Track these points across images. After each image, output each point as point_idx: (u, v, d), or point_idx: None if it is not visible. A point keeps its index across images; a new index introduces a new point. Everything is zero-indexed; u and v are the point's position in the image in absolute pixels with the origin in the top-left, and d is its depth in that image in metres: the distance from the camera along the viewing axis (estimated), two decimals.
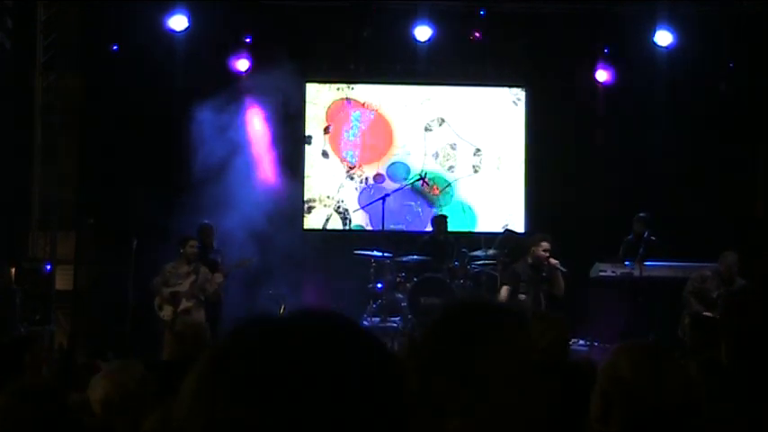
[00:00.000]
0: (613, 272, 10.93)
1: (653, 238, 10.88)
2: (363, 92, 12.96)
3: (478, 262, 11.33)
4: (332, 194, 12.78)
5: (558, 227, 11.16)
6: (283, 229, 11.52)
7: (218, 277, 10.43)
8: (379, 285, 11.21)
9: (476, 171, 12.97)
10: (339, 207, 12.78)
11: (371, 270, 11.25)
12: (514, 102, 13.01)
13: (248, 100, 12.24)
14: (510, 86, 12.99)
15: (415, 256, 11.22)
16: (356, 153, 12.85)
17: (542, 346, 3.86)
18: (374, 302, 11.18)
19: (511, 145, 12.98)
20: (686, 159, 12.41)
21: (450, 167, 12.95)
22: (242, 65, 12.30)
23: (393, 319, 10.97)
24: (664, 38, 12.22)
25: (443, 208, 12.69)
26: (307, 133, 12.78)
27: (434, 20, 12.25)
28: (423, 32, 12.26)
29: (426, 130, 12.93)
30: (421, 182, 12.19)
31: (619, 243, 11.29)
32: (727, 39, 12.23)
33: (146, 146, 11.83)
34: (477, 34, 12.35)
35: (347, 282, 11.44)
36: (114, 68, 11.99)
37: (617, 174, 12.37)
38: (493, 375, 1.65)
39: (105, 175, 11.81)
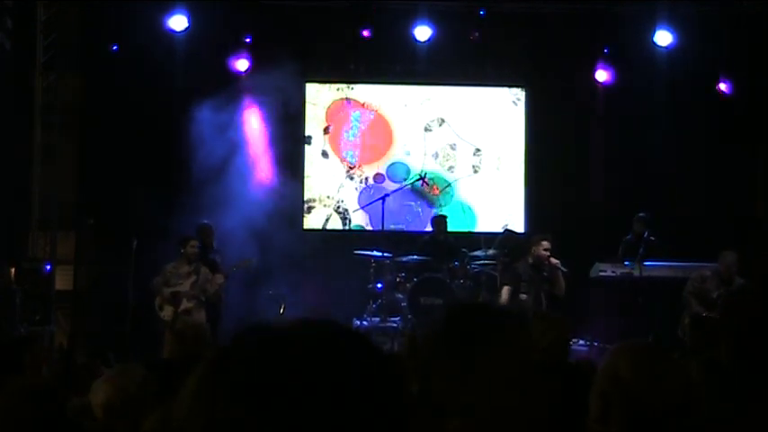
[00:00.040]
0: (613, 272, 10.93)
1: (652, 238, 10.88)
2: (363, 92, 12.96)
3: (478, 262, 11.33)
4: (332, 194, 12.78)
5: (558, 227, 11.17)
6: (283, 229, 11.52)
7: (219, 278, 10.43)
8: (379, 285, 11.21)
9: (475, 171, 12.97)
10: (339, 207, 12.79)
11: (371, 270, 11.26)
12: (514, 102, 13.01)
13: (248, 100, 12.25)
14: (510, 86, 12.99)
15: (415, 256, 11.22)
16: (356, 153, 12.85)
17: (543, 345, 3.87)
18: (374, 302, 11.18)
19: (511, 145, 12.98)
20: (686, 159, 12.41)
21: (450, 167, 12.95)
22: (242, 65, 12.30)
23: (393, 319, 10.97)
24: (664, 38, 12.22)
25: (443, 208, 12.69)
26: (307, 133, 12.78)
27: (434, 20, 12.25)
28: (423, 32, 12.26)
29: (426, 130, 12.93)
30: (421, 182, 12.19)
31: (619, 243, 11.30)
32: (727, 39, 12.23)
33: (146, 146, 11.83)
34: (477, 33, 12.34)
35: (347, 282, 11.45)
36: (114, 68, 11.98)
37: (617, 174, 12.37)
38: (494, 376, 1.66)
39: (105, 175, 11.81)
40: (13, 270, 10.80)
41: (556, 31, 12.32)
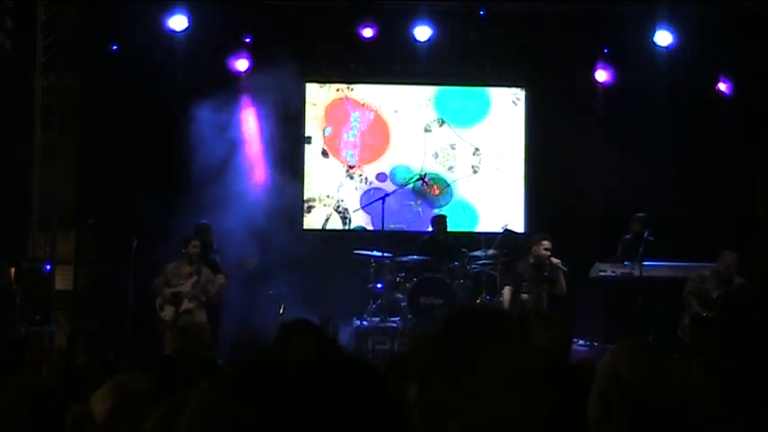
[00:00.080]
0: (613, 272, 10.93)
1: (651, 238, 10.88)
2: (363, 92, 12.96)
3: (478, 262, 11.33)
4: (332, 194, 12.78)
5: (557, 227, 11.17)
6: (283, 229, 11.52)
7: (221, 278, 10.43)
8: (379, 285, 11.21)
9: (475, 171, 12.97)
10: (339, 206, 12.78)
11: (371, 270, 11.25)
12: (514, 101, 13.01)
13: (248, 100, 12.25)
14: (510, 86, 12.99)
15: (415, 256, 11.22)
16: (356, 153, 12.85)
17: (544, 345, 3.86)
18: (374, 302, 11.18)
19: (510, 145, 12.98)
20: (686, 159, 12.41)
21: (450, 167, 12.95)
22: (242, 65, 12.29)
23: (393, 319, 10.97)
24: (664, 38, 12.21)
25: (444, 208, 12.69)
26: (307, 133, 12.78)
27: (434, 20, 12.25)
28: (423, 32, 12.26)
29: (426, 130, 12.93)
30: (421, 182, 12.19)
31: (618, 243, 11.30)
32: (727, 39, 12.23)
33: (146, 146, 11.83)
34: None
35: (347, 282, 11.44)
36: (114, 68, 11.99)
37: (617, 174, 12.36)
38: (494, 381, 1.65)
39: (105, 175, 11.81)
40: (13, 270, 10.79)
41: (556, 31, 12.32)
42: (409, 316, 10.78)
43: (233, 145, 11.93)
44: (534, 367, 1.71)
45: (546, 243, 10.36)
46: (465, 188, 12.93)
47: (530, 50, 12.56)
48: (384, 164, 12.86)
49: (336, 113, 12.88)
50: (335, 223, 12.78)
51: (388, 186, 12.54)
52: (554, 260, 10.32)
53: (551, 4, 12.54)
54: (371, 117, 12.90)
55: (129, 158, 11.69)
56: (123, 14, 11.82)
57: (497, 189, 12.92)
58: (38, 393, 3.07)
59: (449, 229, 11.74)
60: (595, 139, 12.59)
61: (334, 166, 12.82)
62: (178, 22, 11.87)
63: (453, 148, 12.96)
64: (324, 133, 12.84)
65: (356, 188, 12.81)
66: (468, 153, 12.97)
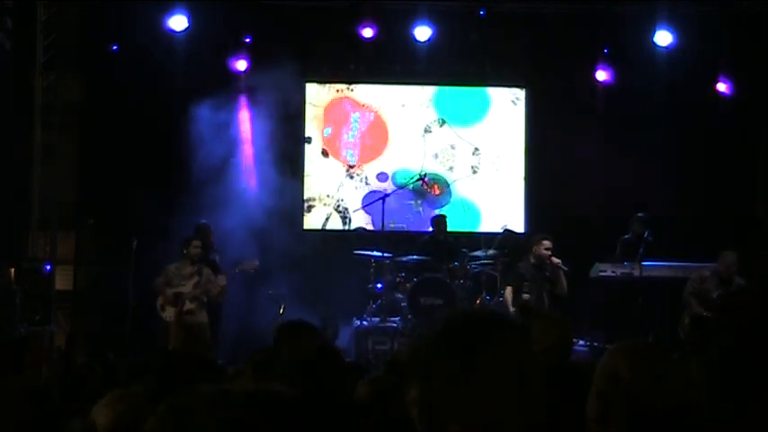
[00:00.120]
0: (613, 272, 10.93)
1: (650, 238, 10.88)
2: (363, 92, 12.96)
3: (478, 262, 11.33)
4: (332, 193, 12.78)
5: (557, 227, 11.18)
6: (283, 228, 11.52)
7: (222, 279, 10.42)
8: (379, 285, 11.21)
9: (474, 172, 12.96)
10: (339, 206, 12.78)
11: (371, 270, 11.25)
12: (513, 101, 13.01)
13: (248, 100, 12.24)
14: (509, 86, 12.99)
15: (415, 256, 11.22)
16: (356, 152, 12.85)
17: (546, 346, 3.86)
18: (374, 302, 11.18)
19: (510, 145, 12.98)
20: (686, 159, 12.41)
21: (450, 168, 12.95)
22: (241, 65, 12.29)
23: (393, 319, 10.97)
24: (664, 38, 12.21)
25: (445, 207, 12.69)
26: (307, 134, 12.77)
27: (434, 20, 12.24)
28: (423, 32, 12.26)
29: (426, 130, 12.93)
30: (421, 182, 12.19)
31: (617, 243, 11.30)
32: (727, 39, 12.23)
33: (146, 146, 11.83)
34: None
35: (347, 282, 11.44)
36: (114, 68, 11.99)
37: (617, 174, 12.36)
38: (494, 382, 1.66)
39: (105, 175, 11.81)
40: (13, 270, 10.79)
41: (556, 31, 12.32)
42: (409, 316, 10.78)
43: (233, 145, 11.93)
44: (534, 369, 1.71)
45: (546, 243, 10.38)
46: (465, 188, 12.93)
47: (530, 50, 12.56)
48: (384, 163, 12.85)
49: (336, 114, 12.88)
50: (335, 223, 12.78)
51: (389, 186, 12.54)
52: (555, 260, 10.34)
53: (551, 4, 12.54)
54: (371, 118, 12.90)
55: (129, 158, 11.69)
56: (123, 14, 11.82)
57: (497, 189, 12.92)
58: (38, 393, 3.06)
59: (450, 229, 11.74)
60: (595, 139, 12.59)
61: (335, 166, 12.82)
62: (178, 22, 11.87)
63: (453, 149, 12.96)
64: (323, 134, 12.84)
65: (356, 188, 12.81)
66: (468, 153, 12.97)
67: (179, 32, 11.92)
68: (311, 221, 12.75)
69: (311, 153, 12.79)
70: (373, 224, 12.28)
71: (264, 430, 1.19)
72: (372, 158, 12.84)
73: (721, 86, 12.50)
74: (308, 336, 3.73)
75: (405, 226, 12.58)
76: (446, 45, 12.47)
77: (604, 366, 2.42)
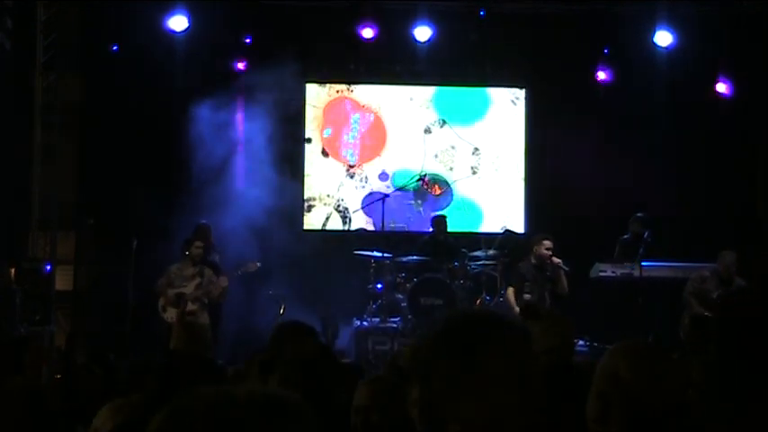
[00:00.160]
0: (613, 272, 10.93)
1: (649, 239, 10.88)
2: (363, 93, 12.96)
3: (478, 262, 11.33)
4: (332, 193, 12.79)
5: (557, 227, 11.18)
6: (283, 229, 11.52)
7: (224, 281, 10.41)
8: (379, 286, 11.20)
9: (474, 172, 12.96)
10: (339, 206, 12.79)
11: (371, 270, 11.25)
12: (513, 101, 13.01)
13: (248, 100, 12.24)
14: (509, 87, 12.99)
15: (415, 257, 11.22)
16: (356, 152, 12.85)
17: (548, 346, 3.86)
18: (374, 303, 11.18)
19: (510, 145, 12.98)
20: (686, 159, 12.41)
21: (451, 168, 12.95)
22: (242, 65, 12.29)
23: (393, 319, 10.97)
24: (663, 38, 12.21)
25: (446, 208, 12.69)
26: (307, 134, 12.78)
27: (434, 20, 12.24)
28: (423, 33, 12.26)
29: (426, 131, 12.93)
30: (421, 182, 12.19)
31: (616, 243, 11.31)
32: (727, 39, 12.23)
33: (146, 146, 11.84)
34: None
35: (347, 282, 11.44)
36: (114, 68, 11.99)
37: (617, 174, 12.37)
38: (494, 382, 1.66)
39: (105, 175, 11.81)
40: (13, 270, 10.79)
41: (556, 31, 12.32)
42: (409, 316, 10.78)
43: (233, 145, 11.93)
44: (534, 369, 1.71)
45: (547, 243, 10.39)
46: (465, 188, 12.93)
47: (530, 50, 12.56)
48: (384, 163, 12.85)
49: (336, 115, 12.88)
50: (336, 222, 12.78)
51: (389, 186, 12.54)
52: (555, 260, 10.35)
53: (551, 4, 12.54)
54: (371, 119, 12.90)
55: (129, 158, 11.69)
56: (123, 14, 11.82)
57: (497, 189, 12.92)
58: (38, 393, 3.07)
59: (451, 229, 11.74)
60: (595, 139, 12.60)
61: (335, 166, 12.83)
62: (178, 22, 11.87)
63: (453, 149, 12.96)
64: (323, 134, 12.84)
65: (356, 187, 12.81)
66: (469, 153, 12.97)
67: (179, 32, 11.92)
68: (311, 221, 12.75)
69: (311, 153, 12.79)
70: (374, 224, 12.28)
71: None
72: (372, 159, 12.84)
73: (721, 87, 12.50)
74: (308, 336, 3.73)
75: (405, 226, 12.58)
76: (446, 45, 12.46)
77: (604, 366, 2.42)
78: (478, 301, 10.87)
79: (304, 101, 12.72)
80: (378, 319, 10.99)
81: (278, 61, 11.44)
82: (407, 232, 12.41)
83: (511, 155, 12.97)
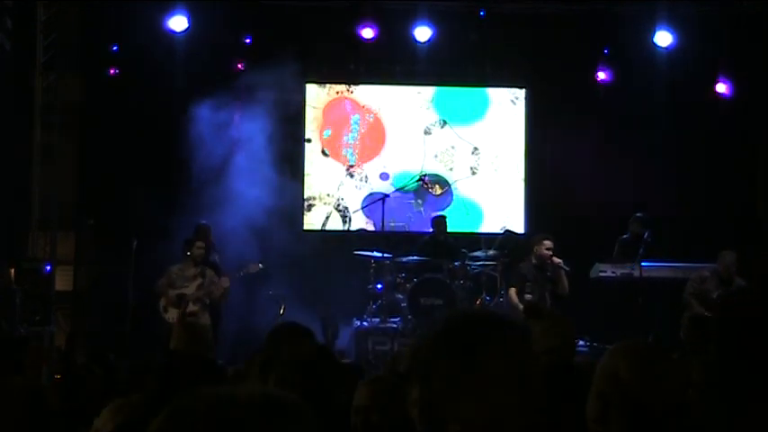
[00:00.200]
0: (613, 272, 10.94)
1: (649, 239, 10.88)
2: (363, 93, 12.96)
3: (478, 262, 11.33)
4: (332, 192, 12.79)
5: (557, 227, 11.18)
6: (283, 229, 11.52)
7: (225, 282, 10.40)
8: (379, 286, 11.20)
9: (474, 172, 12.96)
10: (339, 205, 12.79)
11: (371, 271, 11.25)
12: (513, 101, 13.01)
13: (248, 100, 12.24)
14: (509, 87, 12.99)
15: (415, 257, 11.22)
16: (356, 152, 12.86)
17: (548, 346, 3.85)
18: (374, 303, 11.18)
19: (510, 145, 12.98)
20: (686, 159, 12.41)
21: (451, 168, 12.95)
22: (242, 65, 12.29)
23: (393, 319, 10.97)
24: (663, 38, 12.21)
25: (446, 208, 12.69)
26: (307, 134, 12.78)
27: (434, 20, 12.24)
28: (423, 33, 12.26)
29: (426, 131, 12.93)
30: (421, 182, 12.19)
31: (616, 243, 11.31)
32: (727, 39, 12.23)
33: (146, 146, 11.84)
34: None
35: (347, 282, 11.44)
36: (114, 68, 11.99)
37: (617, 174, 12.37)
38: (494, 383, 1.66)
39: (105, 175, 11.82)
40: (13, 270, 10.79)
41: (556, 31, 12.32)
42: (409, 317, 10.78)
43: (233, 145, 11.93)
44: (534, 369, 1.71)
45: (547, 243, 10.39)
46: (465, 188, 12.94)
47: (530, 50, 12.56)
48: (384, 162, 12.85)
49: (336, 115, 12.88)
50: (336, 222, 12.78)
51: (390, 186, 12.54)
52: (556, 260, 10.35)
53: (551, 4, 12.54)
54: (371, 119, 12.90)
55: (129, 158, 11.69)
56: (123, 14, 11.83)
57: (497, 189, 12.92)
58: (38, 393, 3.07)
59: (452, 230, 11.75)
60: (595, 139, 12.60)
61: (335, 165, 12.83)
62: (178, 22, 11.87)
63: (453, 149, 12.97)
64: (323, 135, 12.84)
65: (356, 187, 12.81)
66: (469, 153, 12.97)
67: (179, 32, 11.92)
68: (311, 220, 12.76)
69: (311, 152, 12.79)
70: (374, 224, 12.28)
71: None
72: (372, 158, 12.84)
73: (721, 87, 12.50)
74: (304, 338, 3.73)
75: (405, 225, 12.58)
76: (446, 45, 12.46)
77: (604, 366, 2.42)
78: (478, 302, 10.87)
79: (304, 101, 12.72)
80: (378, 320, 10.99)
81: (278, 61, 11.44)
82: (407, 232, 12.41)
83: (511, 155, 12.97)
